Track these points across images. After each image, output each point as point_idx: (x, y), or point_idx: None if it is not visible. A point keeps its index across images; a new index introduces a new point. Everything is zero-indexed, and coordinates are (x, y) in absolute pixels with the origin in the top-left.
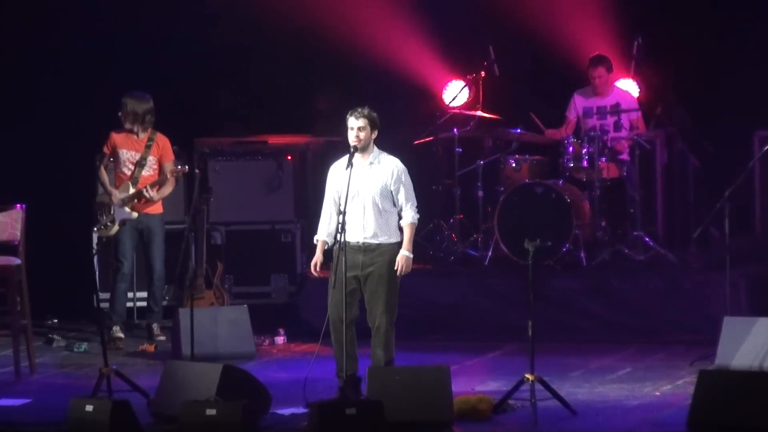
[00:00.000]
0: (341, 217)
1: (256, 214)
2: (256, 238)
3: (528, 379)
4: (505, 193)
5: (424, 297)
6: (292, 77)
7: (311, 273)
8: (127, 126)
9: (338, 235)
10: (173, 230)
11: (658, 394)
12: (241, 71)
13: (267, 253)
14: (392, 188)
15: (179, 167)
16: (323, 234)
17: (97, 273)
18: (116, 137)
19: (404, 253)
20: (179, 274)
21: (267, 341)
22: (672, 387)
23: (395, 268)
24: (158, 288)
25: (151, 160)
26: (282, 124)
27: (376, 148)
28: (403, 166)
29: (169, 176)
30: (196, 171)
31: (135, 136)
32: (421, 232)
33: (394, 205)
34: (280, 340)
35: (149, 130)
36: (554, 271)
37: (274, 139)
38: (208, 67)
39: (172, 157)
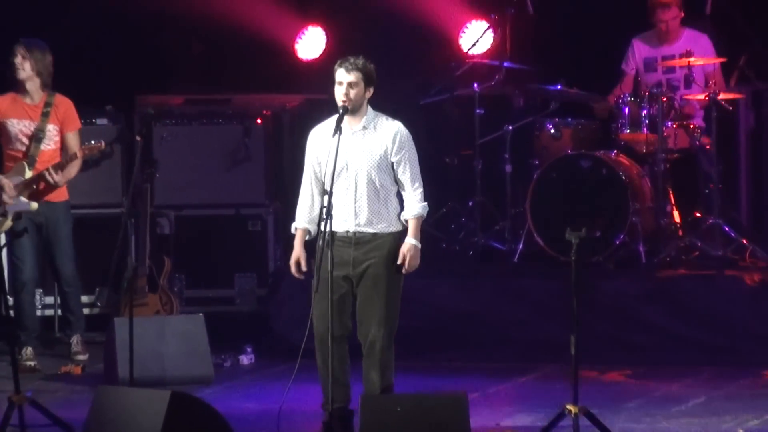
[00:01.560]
0: (326, 198)
1: (216, 195)
2: (215, 227)
3: (570, 411)
4: (540, 167)
5: (434, 303)
6: (264, 17)
7: (292, 272)
8: (22, 87)
9: (322, 223)
10: (106, 216)
11: (741, 431)
12: (197, 8)
13: (230, 245)
14: (393, 159)
15: (93, 143)
16: (303, 220)
17: (5, 273)
18: (0, 103)
19: (411, 242)
20: (115, 274)
21: (229, 361)
22: (760, 423)
23: (398, 263)
24: (71, 295)
25: (51, 130)
26: (250, 78)
27: (371, 110)
28: (408, 132)
29: (78, 154)
30: (138, 138)
31: (26, 100)
32: (430, 218)
33: (396, 182)
34: (246, 359)
35: (45, 92)
36: (605, 271)
37: (240, 98)
38: (152, 2)
39: (78, 124)
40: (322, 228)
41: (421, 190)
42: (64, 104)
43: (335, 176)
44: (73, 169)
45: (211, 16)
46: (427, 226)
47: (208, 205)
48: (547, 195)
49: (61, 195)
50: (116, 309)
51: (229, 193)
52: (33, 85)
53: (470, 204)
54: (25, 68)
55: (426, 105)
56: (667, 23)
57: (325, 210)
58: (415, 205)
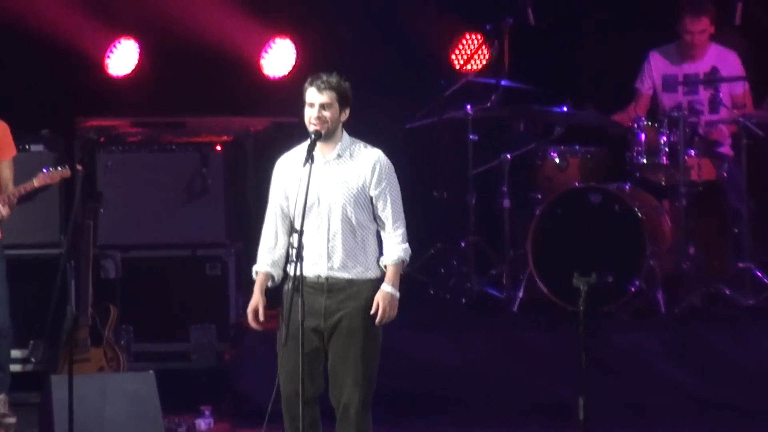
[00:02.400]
0: (295, 238)
1: (169, 234)
2: (168, 270)
3: None
4: (544, 202)
5: (419, 359)
6: (224, 27)
7: (249, 323)
8: None
9: (290, 266)
10: (42, 257)
11: None
12: (145, 16)
13: (185, 292)
14: (372, 193)
15: (59, 169)
16: (265, 263)
17: None
18: None
19: (387, 289)
20: (52, 324)
21: (184, 426)
22: None
23: (371, 312)
24: (3, 349)
25: None
26: (208, 98)
27: (346, 135)
28: (389, 162)
29: (35, 183)
30: (78, 167)
31: None
32: (416, 261)
33: (374, 219)
34: (204, 423)
35: None
36: (618, 322)
37: (197, 121)
38: (98, 7)
39: (13, 151)
40: (291, 271)
41: (403, 230)
42: None
43: (306, 212)
44: (15, 202)
45: (160, 25)
46: (413, 271)
47: (159, 245)
48: (552, 234)
49: None
50: (53, 365)
51: (184, 231)
52: None
53: (462, 245)
54: None
55: (411, 130)
56: (694, 36)
57: (294, 251)
58: (394, 247)
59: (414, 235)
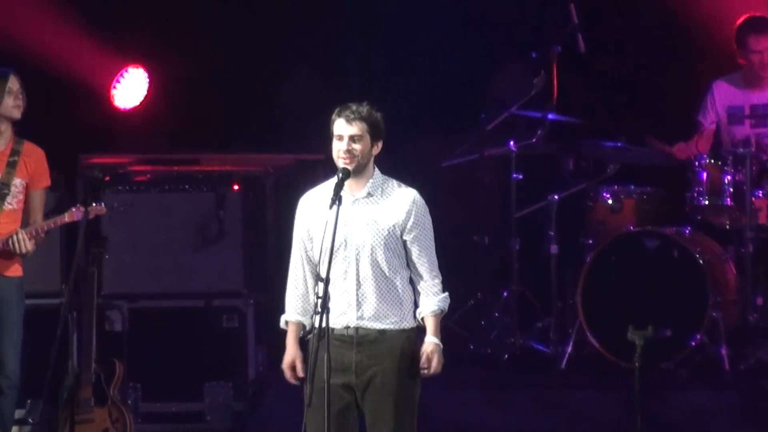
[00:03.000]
0: (320, 286)
1: (181, 282)
2: (180, 322)
3: None
4: (595, 248)
5: (457, 421)
6: (247, 56)
7: (288, 379)
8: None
9: (315, 318)
10: (42, 308)
11: None
12: (157, 45)
13: (199, 346)
14: (405, 237)
15: (95, 205)
16: (295, 311)
17: None
18: None
19: (432, 340)
20: (51, 381)
21: None
22: None
23: (419, 366)
24: (9, 400)
25: (18, 185)
26: (225, 133)
27: (378, 171)
28: (424, 204)
29: (66, 218)
30: (81, 209)
31: None
32: (454, 313)
33: (408, 265)
34: None
35: (12, 135)
36: (677, 380)
37: (212, 158)
38: (103, 32)
39: (48, 181)
40: (316, 323)
41: (440, 278)
42: (35, 153)
43: (333, 257)
44: (42, 236)
45: (171, 52)
46: (450, 323)
47: (171, 294)
48: (604, 283)
49: (14, 269)
50: (53, 427)
51: (197, 279)
52: (2, 125)
53: (505, 295)
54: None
55: (448, 168)
56: (762, 55)
57: (320, 301)
58: (432, 298)
59: (452, 284)
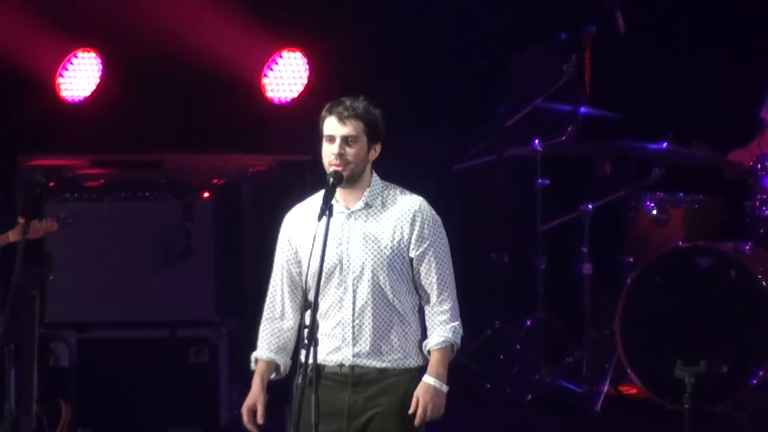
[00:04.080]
0: (308, 314)
1: (141, 309)
2: (139, 357)
3: None
4: (637, 268)
5: None
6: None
7: (246, 422)
8: None
9: (303, 353)
10: None
11: None
12: (112, 25)
13: (162, 385)
14: (412, 254)
15: (44, 221)
16: (268, 348)
17: None
18: None
19: (429, 382)
20: None
21: None
22: None
23: (410, 411)
24: None
25: None
26: (194, 130)
27: (377, 178)
28: (434, 213)
29: (11, 238)
30: (20, 221)
31: None
32: (468, 344)
33: (415, 290)
34: None
35: None
36: (736, 424)
37: (178, 159)
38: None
39: None
40: (303, 359)
41: (452, 303)
42: None
43: (323, 280)
44: None
45: (129, 33)
46: (464, 357)
47: (127, 323)
48: (648, 310)
49: None
50: None
51: (160, 305)
52: None
53: (528, 323)
54: None
55: (461, 172)
56: None
57: (306, 332)
58: (441, 327)
59: (465, 310)
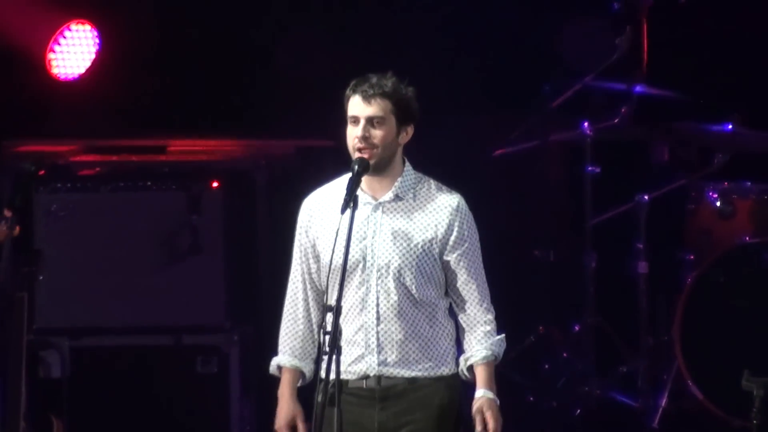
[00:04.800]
0: (328, 318)
1: (142, 313)
2: (140, 367)
3: None
4: (699, 266)
5: None
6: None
7: None
8: None
9: (323, 363)
10: None
11: None
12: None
13: (166, 398)
14: (449, 257)
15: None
16: (292, 353)
17: None
18: None
19: (487, 395)
20: None
21: None
22: None
23: (477, 430)
24: None
25: None
26: (202, 112)
27: (410, 167)
28: (470, 214)
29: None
30: (6, 214)
31: None
32: (508, 352)
33: (445, 293)
34: None
35: None
36: None
37: (183, 145)
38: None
39: None
40: (322, 370)
41: (494, 313)
42: None
43: (346, 279)
44: None
45: (128, 4)
46: (503, 367)
47: (126, 329)
48: (711, 313)
49: None
50: None
51: (163, 308)
52: None
53: (576, 329)
54: None
55: (500, 159)
56: None
57: (328, 339)
58: (485, 340)
59: (505, 314)
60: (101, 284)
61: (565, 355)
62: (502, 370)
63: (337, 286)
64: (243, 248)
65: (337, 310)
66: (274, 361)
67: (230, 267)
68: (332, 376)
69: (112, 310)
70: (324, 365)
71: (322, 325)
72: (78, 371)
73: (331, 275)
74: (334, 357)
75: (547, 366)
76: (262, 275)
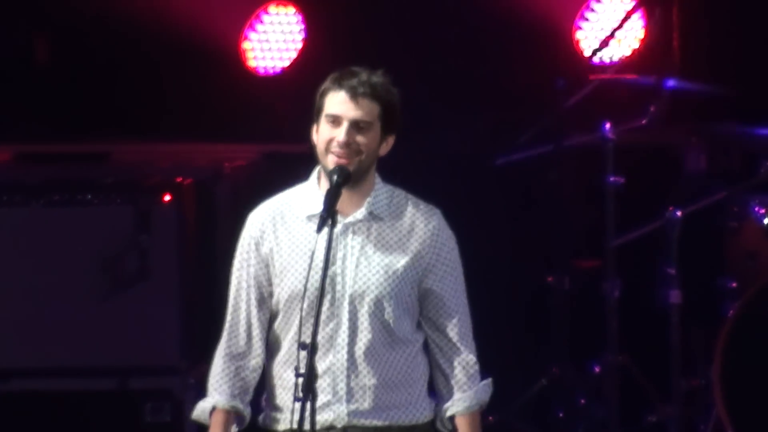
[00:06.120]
0: (302, 357)
1: (80, 352)
2: (77, 415)
3: None
4: (742, 296)
5: None
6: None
7: None
8: None
9: (287, 410)
10: None
11: None
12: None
13: None
14: (427, 283)
15: None
16: (229, 392)
17: None
18: None
19: None
20: None
21: None
22: None
23: None
24: None
25: None
26: (153, 111)
27: (379, 179)
28: (450, 232)
29: None
30: None
31: None
32: (514, 399)
33: (418, 326)
34: None
35: None
36: None
37: (130, 150)
38: None
39: None
40: (289, 418)
41: (474, 349)
42: None
43: (304, 311)
44: None
45: None
46: (510, 415)
47: (62, 371)
48: (756, 351)
49: None
50: None
51: (106, 346)
52: None
53: (596, 370)
54: None
55: (505, 168)
56: None
57: (300, 381)
58: (467, 383)
59: (511, 352)
60: (31, 317)
61: (582, 401)
62: (509, 420)
63: (309, 317)
64: (200, 273)
65: (312, 347)
66: (205, 404)
67: (185, 296)
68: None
69: (45, 348)
70: (296, 411)
71: (295, 367)
72: (3, 421)
73: (305, 305)
74: (308, 404)
75: (561, 414)
76: (222, 306)
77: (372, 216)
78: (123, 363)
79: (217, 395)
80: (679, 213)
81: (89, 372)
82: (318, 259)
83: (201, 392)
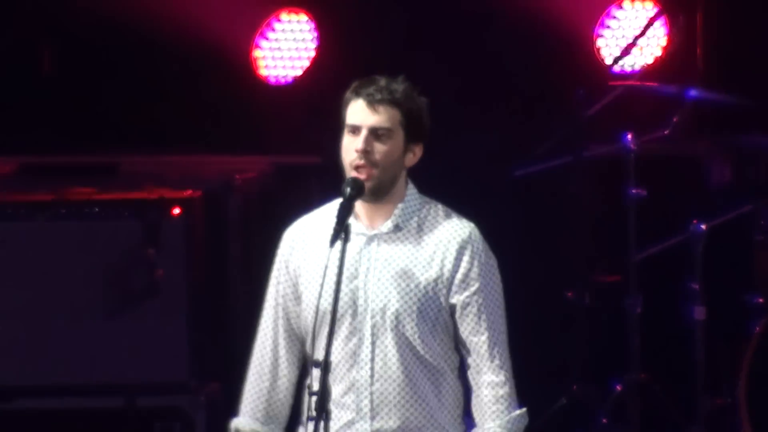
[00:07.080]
0: (316, 375)
1: (86, 370)
2: (86, 431)
3: None
4: None
5: None
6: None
7: None
8: None
9: (310, 425)
10: None
11: None
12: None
13: None
14: (456, 298)
15: None
16: (252, 415)
17: None
18: None
19: None
20: None
21: None
22: None
23: None
24: None
25: None
26: (162, 123)
27: (413, 190)
28: (487, 247)
29: None
30: None
31: None
32: (536, 417)
33: (454, 346)
34: None
35: None
36: None
37: (139, 162)
38: None
39: None
40: None
41: (509, 373)
42: None
43: (336, 328)
44: None
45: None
46: None
47: (67, 389)
48: None
49: None
50: None
51: (114, 364)
52: None
53: (618, 388)
54: None
55: (523, 180)
56: None
57: (314, 401)
58: (500, 406)
59: (530, 370)
60: (36, 335)
61: (604, 420)
62: None
63: (325, 337)
64: (211, 289)
65: (325, 366)
66: (232, 425)
67: (195, 312)
68: None
69: (50, 366)
70: (310, 428)
71: (307, 383)
72: None
73: (318, 321)
74: (322, 424)
75: None
76: (233, 322)
77: (398, 228)
78: (131, 381)
79: (242, 417)
80: (703, 226)
81: (97, 390)
82: (333, 276)
83: (211, 410)
